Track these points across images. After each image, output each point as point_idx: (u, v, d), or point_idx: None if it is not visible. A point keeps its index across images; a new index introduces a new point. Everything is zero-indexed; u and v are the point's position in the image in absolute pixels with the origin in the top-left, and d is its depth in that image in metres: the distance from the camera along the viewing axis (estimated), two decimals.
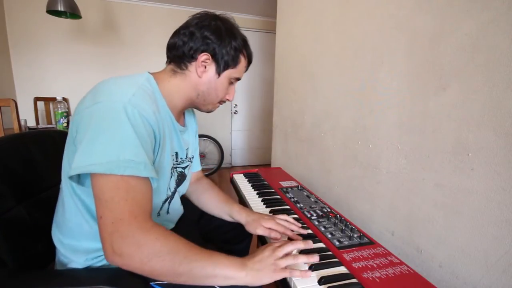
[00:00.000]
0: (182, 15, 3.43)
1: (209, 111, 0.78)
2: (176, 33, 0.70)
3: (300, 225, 0.76)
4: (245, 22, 3.61)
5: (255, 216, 0.79)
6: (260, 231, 0.74)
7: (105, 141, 0.49)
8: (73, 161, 0.50)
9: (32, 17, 2.82)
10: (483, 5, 0.64)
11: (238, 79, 0.74)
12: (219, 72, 0.69)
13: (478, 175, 0.66)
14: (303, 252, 0.64)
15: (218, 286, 0.54)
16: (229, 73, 0.70)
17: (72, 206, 0.61)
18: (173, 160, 0.72)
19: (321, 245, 0.70)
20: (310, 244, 0.63)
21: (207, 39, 0.66)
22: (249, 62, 0.75)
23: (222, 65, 0.68)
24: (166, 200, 0.74)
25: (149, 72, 0.69)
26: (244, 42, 0.72)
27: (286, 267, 0.55)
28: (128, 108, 0.52)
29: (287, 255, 0.58)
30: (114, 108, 0.52)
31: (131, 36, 3.21)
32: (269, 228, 0.73)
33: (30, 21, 2.83)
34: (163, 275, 0.49)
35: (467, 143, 0.68)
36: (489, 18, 0.63)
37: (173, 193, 0.76)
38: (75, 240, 0.63)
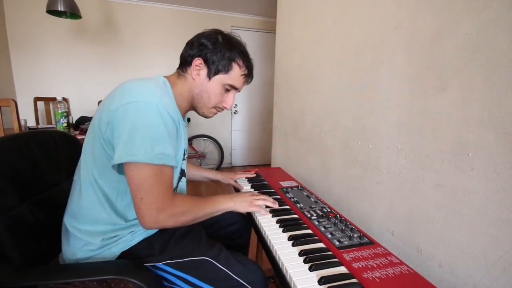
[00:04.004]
0: (181, 15, 3.45)
1: (205, 116, 0.83)
2: (185, 46, 0.78)
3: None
4: (245, 22, 3.62)
5: (227, 173, 1.15)
6: (232, 182, 1.13)
7: (143, 136, 0.60)
8: (116, 152, 0.60)
9: (32, 17, 2.82)
10: (483, 5, 0.64)
11: (233, 87, 0.78)
12: (209, 76, 0.75)
13: (478, 175, 0.66)
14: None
15: None
16: (220, 78, 0.75)
17: (92, 196, 0.68)
18: (184, 153, 0.82)
19: (321, 245, 0.70)
20: (275, 204, 0.88)
21: (202, 46, 0.74)
22: (248, 74, 0.79)
23: (213, 70, 0.74)
24: (174, 189, 0.80)
25: (163, 76, 0.77)
26: (242, 53, 0.76)
27: (257, 206, 0.82)
28: (160, 108, 0.62)
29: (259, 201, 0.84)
30: (149, 108, 0.62)
31: (131, 35, 3.21)
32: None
33: (30, 21, 2.83)
34: (188, 223, 0.69)
35: (467, 143, 0.68)
36: (489, 18, 0.63)
37: (178, 182, 0.83)
38: (92, 225, 0.70)
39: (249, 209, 0.81)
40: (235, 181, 1.14)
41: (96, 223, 0.69)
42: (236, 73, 0.76)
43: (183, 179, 0.86)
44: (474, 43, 0.66)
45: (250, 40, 3.79)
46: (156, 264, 0.70)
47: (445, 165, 0.74)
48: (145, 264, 0.70)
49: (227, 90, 0.78)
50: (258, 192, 0.94)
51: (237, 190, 1.13)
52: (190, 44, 0.76)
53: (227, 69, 0.74)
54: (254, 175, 1.23)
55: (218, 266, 0.69)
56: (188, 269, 0.69)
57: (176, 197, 0.67)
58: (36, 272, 0.62)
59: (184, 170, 0.85)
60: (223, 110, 0.83)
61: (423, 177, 0.81)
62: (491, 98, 0.63)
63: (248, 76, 0.80)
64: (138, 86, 0.66)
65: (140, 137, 0.59)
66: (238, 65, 0.75)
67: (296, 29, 1.67)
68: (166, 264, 0.70)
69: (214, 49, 0.73)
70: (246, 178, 1.23)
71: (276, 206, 0.87)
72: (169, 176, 0.65)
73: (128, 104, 0.61)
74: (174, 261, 0.70)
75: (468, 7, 0.67)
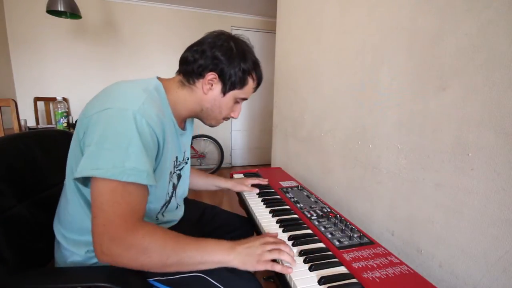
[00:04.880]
0: (181, 15, 3.46)
1: (211, 126, 0.80)
2: (190, 48, 0.71)
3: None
4: (245, 22, 3.61)
5: (237, 179, 1.08)
6: (245, 188, 1.02)
7: (112, 147, 0.51)
8: (80, 164, 0.52)
9: (32, 17, 2.82)
10: (483, 5, 0.64)
11: (244, 99, 0.76)
12: (224, 92, 0.71)
13: (478, 175, 0.66)
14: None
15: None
16: (234, 93, 0.72)
17: (75, 203, 0.63)
18: (173, 165, 0.74)
19: (321, 245, 0.70)
20: (292, 259, 0.61)
21: (216, 59, 0.67)
22: (258, 84, 0.76)
23: (228, 86, 0.70)
24: (164, 204, 0.75)
25: (158, 78, 0.71)
26: (255, 64, 0.73)
27: (270, 260, 0.59)
28: (137, 117, 0.54)
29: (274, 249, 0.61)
30: (123, 116, 0.54)
31: (131, 35, 3.21)
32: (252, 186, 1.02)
33: (30, 21, 2.83)
34: (153, 269, 0.53)
35: (467, 143, 0.68)
36: (489, 18, 0.63)
37: (171, 198, 0.78)
38: (77, 234, 0.64)
39: (258, 268, 0.58)
40: (250, 185, 1.05)
41: (82, 232, 0.64)
42: (249, 86, 0.74)
43: (176, 192, 0.81)
44: (474, 43, 0.66)
45: (250, 40, 3.79)
46: (146, 280, 0.64)
47: (445, 165, 0.74)
48: None
49: (236, 102, 0.76)
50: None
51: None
52: (200, 53, 0.68)
53: (242, 84, 0.71)
54: (267, 182, 1.11)
55: (212, 282, 0.62)
56: (180, 285, 0.63)
57: (141, 227, 0.52)
58: (30, 275, 0.60)
59: (174, 184, 0.79)
60: (229, 119, 0.80)
61: (423, 177, 0.81)
62: (491, 98, 0.63)
63: (258, 86, 0.78)
64: (119, 91, 0.59)
65: (108, 149, 0.51)
66: (252, 78, 0.73)
67: (296, 29, 1.67)
68: (157, 281, 0.64)
69: (229, 64, 0.68)
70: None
71: (293, 263, 0.61)
72: (136, 196, 0.54)
73: (102, 111, 0.54)
74: (165, 278, 0.63)
75: (468, 7, 0.67)
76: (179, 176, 0.82)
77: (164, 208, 0.76)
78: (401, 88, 0.88)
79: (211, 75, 0.68)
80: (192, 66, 0.69)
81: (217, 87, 0.70)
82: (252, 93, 0.78)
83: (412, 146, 0.85)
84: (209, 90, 0.70)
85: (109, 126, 0.53)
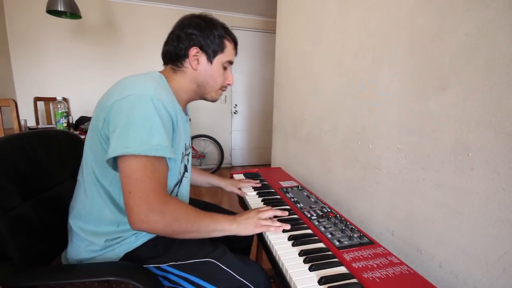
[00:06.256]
0: (181, 14, 3.44)
1: (214, 100, 0.85)
2: (166, 42, 0.79)
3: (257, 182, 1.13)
4: (245, 22, 3.61)
5: (231, 180, 1.12)
6: (236, 190, 1.07)
7: (138, 128, 0.58)
8: (110, 146, 0.58)
9: (32, 17, 2.82)
10: (483, 5, 0.64)
11: (230, 62, 0.81)
12: (210, 60, 0.77)
13: (478, 175, 0.66)
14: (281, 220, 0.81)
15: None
16: (219, 58, 0.78)
17: (94, 194, 0.68)
18: (184, 147, 0.80)
19: (321, 245, 0.70)
20: (285, 213, 0.83)
21: (191, 35, 0.74)
22: (235, 44, 0.82)
23: (211, 53, 0.76)
24: (176, 184, 0.80)
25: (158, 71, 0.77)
26: (225, 29, 0.79)
27: (264, 225, 0.74)
28: (154, 100, 0.62)
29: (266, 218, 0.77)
30: (143, 100, 0.61)
31: (131, 35, 3.21)
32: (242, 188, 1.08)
33: (30, 21, 2.83)
34: (179, 234, 0.63)
35: (467, 143, 0.68)
36: (489, 18, 0.63)
37: (182, 177, 0.82)
38: (96, 225, 0.70)
39: (256, 231, 0.73)
40: (239, 188, 1.08)
41: (100, 223, 0.69)
42: (229, 48, 0.79)
43: (186, 175, 0.85)
44: (474, 43, 0.66)
45: (250, 40, 3.78)
46: (160, 265, 0.70)
47: (445, 165, 0.74)
48: (149, 266, 0.70)
49: (225, 68, 0.81)
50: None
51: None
52: (175, 39, 0.76)
53: (222, 48, 0.77)
54: (260, 185, 1.12)
55: (222, 267, 0.69)
56: (192, 270, 0.69)
57: (171, 199, 0.62)
58: (37, 272, 0.62)
59: (186, 166, 0.84)
60: (226, 88, 0.86)
61: (423, 177, 0.81)
62: (491, 98, 0.63)
63: (236, 47, 0.83)
64: (133, 81, 0.66)
65: (134, 130, 0.58)
66: (228, 40, 0.79)
67: (296, 29, 1.67)
68: (171, 266, 0.70)
69: (203, 34, 0.74)
70: (245, 177, 1.23)
71: (285, 214, 0.83)
72: (162, 171, 0.62)
73: (123, 99, 0.61)
74: (179, 263, 0.70)
75: (468, 7, 0.67)
76: (187, 161, 0.87)
77: (177, 188, 0.81)
78: (401, 88, 0.88)
79: (193, 50, 0.75)
80: (174, 52, 0.76)
81: (203, 59, 0.76)
82: (235, 56, 0.83)
83: (412, 146, 0.85)
84: (197, 65, 0.77)
85: (132, 111, 0.59)
